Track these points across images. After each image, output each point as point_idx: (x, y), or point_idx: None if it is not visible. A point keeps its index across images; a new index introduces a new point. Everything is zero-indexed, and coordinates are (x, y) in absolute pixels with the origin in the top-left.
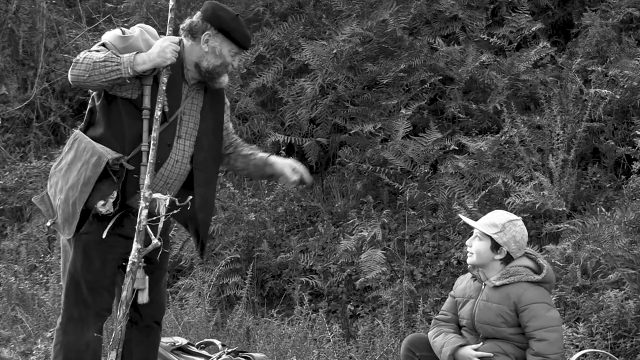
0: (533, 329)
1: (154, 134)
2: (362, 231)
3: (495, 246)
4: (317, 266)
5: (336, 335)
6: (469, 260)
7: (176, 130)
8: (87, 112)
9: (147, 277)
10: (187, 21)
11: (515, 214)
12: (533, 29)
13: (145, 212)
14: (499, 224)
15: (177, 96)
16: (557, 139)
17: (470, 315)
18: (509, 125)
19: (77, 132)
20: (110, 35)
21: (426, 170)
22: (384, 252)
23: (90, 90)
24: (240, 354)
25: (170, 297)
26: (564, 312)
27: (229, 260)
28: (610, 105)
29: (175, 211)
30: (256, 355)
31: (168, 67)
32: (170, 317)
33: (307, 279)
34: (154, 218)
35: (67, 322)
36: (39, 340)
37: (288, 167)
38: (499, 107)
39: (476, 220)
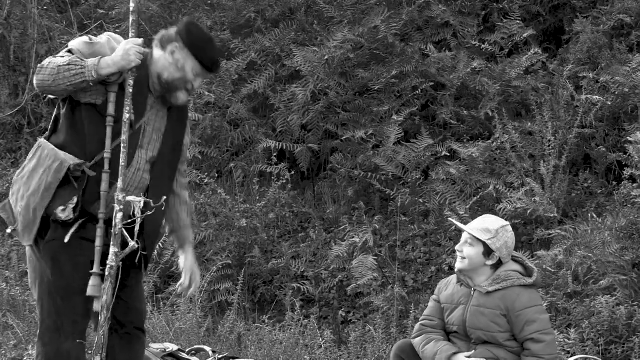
0: (530, 332)
1: (124, 137)
2: (353, 237)
3: (488, 252)
4: (309, 272)
5: (328, 341)
6: (459, 266)
7: (139, 140)
8: (52, 119)
9: (101, 285)
10: (162, 32)
11: (506, 220)
12: (524, 35)
13: (120, 215)
14: (493, 229)
15: (142, 106)
16: (549, 145)
17: (461, 322)
18: (500, 131)
19: (40, 140)
20: (77, 42)
21: (418, 177)
22: (376, 258)
23: (54, 96)
24: (230, 359)
25: (161, 303)
26: (555, 318)
27: (220, 267)
28: (602, 111)
29: (149, 212)
30: None
31: (133, 70)
32: (161, 323)
33: (298, 285)
34: (129, 221)
35: (44, 332)
36: (30, 346)
37: (188, 271)
38: (490, 114)
39: (465, 224)
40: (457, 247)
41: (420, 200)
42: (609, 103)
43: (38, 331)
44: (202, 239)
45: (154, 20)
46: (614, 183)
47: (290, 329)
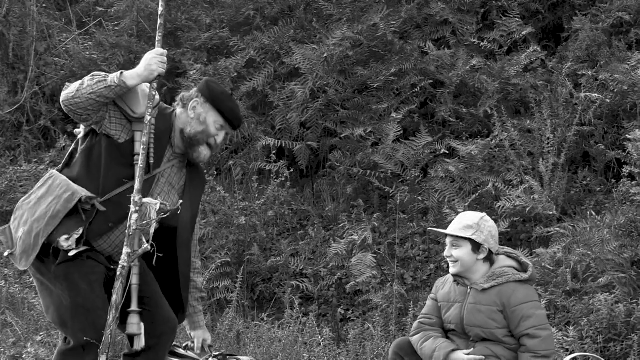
0: (525, 328)
1: (144, 139)
2: (352, 235)
3: (476, 247)
4: (308, 270)
5: (327, 339)
6: (453, 271)
7: (150, 188)
8: (67, 154)
9: (142, 324)
10: (182, 93)
11: (505, 217)
12: (523, 33)
13: (135, 216)
14: (473, 223)
15: (160, 156)
16: (548, 143)
17: (459, 319)
18: (499, 129)
19: (53, 171)
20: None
21: (417, 174)
22: (375, 255)
23: (79, 120)
24: (228, 357)
25: None
26: (554, 315)
27: (219, 264)
28: (601, 109)
29: (164, 215)
30: (243, 358)
31: (158, 79)
32: None
33: (297, 283)
34: (144, 222)
35: (70, 350)
36: (29, 344)
37: (200, 338)
38: (489, 111)
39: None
40: (445, 254)
41: (419, 198)
42: (608, 101)
43: (60, 344)
44: (201, 236)
45: (153, 18)
46: (613, 181)
47: (289, 326)
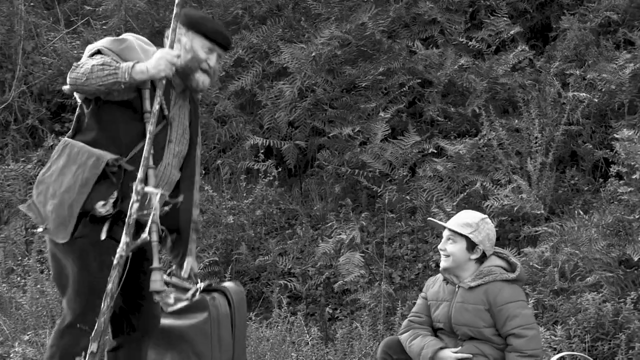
0: (511, 327)
1: (151, 128)
2: (340, 234)
3: (471, 246)
4: (296, 269)
5: (314, 338)
6: (444, 265)
7: (167, 134)
8: (75, 119)
9: (163, 279)
10: (167, 30)
11: (493, 216)
12: (512, 32)
13: (136, 205)
14: (473, 223)
15: (167, 101)
16: (536, 142)
17: (447, 318)
18: (487, 128)
19: (65, 139)
20: (104, 41)
21: (405, 173)
22: (363, 255)
23: (79, 98)
24: (213, 287)
25: None
26: (542, 314)
27: (207, 263)
28: (589, 108)
29: (167, 208)
30: (228, 285)
31: (162, 80)
32: None
33: (285, 282)
34: (145, 212)
35: (66, 326)
36: (17, 343)
37: (189, 265)
38: (477, 110)
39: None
40: (439, 247)
41: (407, 197)
42: (596, 100)
43: (59, 322)
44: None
45: (141, 17)
46: (601, 180)
47: (277, 325)
